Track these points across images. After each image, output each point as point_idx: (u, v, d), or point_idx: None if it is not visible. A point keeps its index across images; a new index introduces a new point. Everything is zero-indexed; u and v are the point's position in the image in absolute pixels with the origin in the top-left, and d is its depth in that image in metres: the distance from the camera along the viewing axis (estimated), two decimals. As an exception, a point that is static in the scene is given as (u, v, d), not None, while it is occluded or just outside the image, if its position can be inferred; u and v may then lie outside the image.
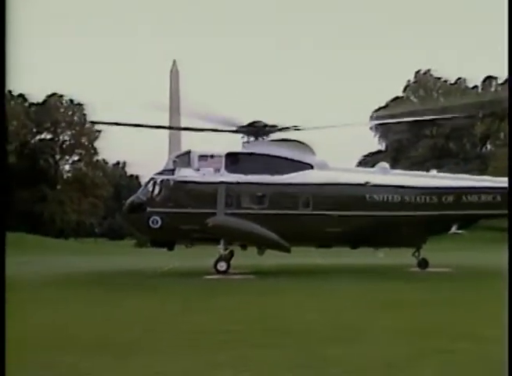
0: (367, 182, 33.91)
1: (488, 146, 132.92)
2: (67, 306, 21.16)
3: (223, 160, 34.07)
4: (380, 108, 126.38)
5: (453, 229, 34.43)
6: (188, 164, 34.22)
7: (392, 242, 36.33)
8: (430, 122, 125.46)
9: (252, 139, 35.32)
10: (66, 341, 14.23)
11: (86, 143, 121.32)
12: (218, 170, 33.82)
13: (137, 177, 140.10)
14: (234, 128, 34.98)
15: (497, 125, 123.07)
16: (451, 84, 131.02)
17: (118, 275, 35.80)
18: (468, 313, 18.26)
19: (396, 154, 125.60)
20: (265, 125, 35.01)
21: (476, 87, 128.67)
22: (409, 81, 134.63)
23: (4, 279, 6.87)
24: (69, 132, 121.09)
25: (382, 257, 42.09)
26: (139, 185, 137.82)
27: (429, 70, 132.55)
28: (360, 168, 35.72)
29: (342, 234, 33.93)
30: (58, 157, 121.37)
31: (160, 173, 34.66)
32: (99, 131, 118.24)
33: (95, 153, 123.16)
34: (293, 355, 12.41)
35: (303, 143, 35.29)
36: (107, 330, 15.82)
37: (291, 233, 33.21)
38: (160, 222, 33.52)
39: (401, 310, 19.07)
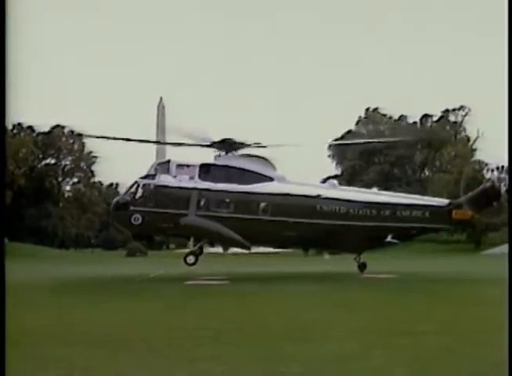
0: (319, 195, 34.38)
1: (426, 172, 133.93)
2: (65, 306, 20.78)
3: (197, 169, 34.78)
4: (336, 139, 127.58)
5: (389, 237, 35.18)
6: (167, 171, 34.87)
7: (339, 247, 37.97)
8: (378, 151, 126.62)
9: (223, 153, 35.84)
10: (61, 335, 13.85)
11: (84, 167, 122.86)
12: (192, 178, 34.55)
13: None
14: (208, 143, 35.54)
15: (433, 155, 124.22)
16: (395, 120, 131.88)
17: (110, 280, 35.63)
18: (407, 312, 18.00)
19: (350, 178, 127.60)
20: (235, 142, 35.56)
21: (415, 123, 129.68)
22: (360, 116, 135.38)
23: (4, 279, 6.46)
24: (70, 158, 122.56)
25: (328, 258, 42.61)
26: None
27: (377, 108, 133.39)
28: (313, 183, 36.38)
29: (296, 238, 34.69)
30: (60, 179, 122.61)
31: (143, 178, 35.09)
32: (96, 157, 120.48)
33: (92, 175, 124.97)
34: (258, 351, 12.10)
35: (266, 159, 35.94)
36: (98, 325, 15.44)
37: (252, 234, 34.05)
38: (140, 220, 34.02)
39: (352, 310, 18.86)
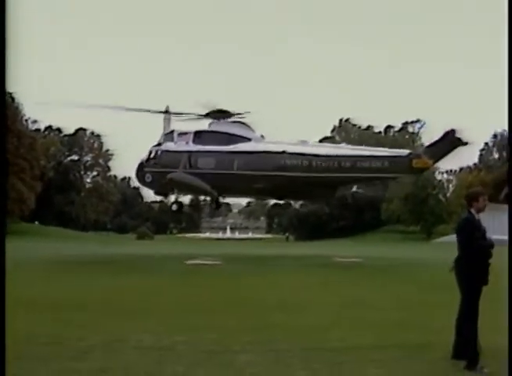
0: (284, 151, 33.57)
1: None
2: (94, 276, 20.94)
3: (191, 135, 35.61)
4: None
5: (354, 188, 34.25)
6: (171, 139, 36.00)
7: (304, 197, 38.24)
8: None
9: (216, 121, 36.00)
10: (81, 301, 14.06)
11: (102, 163, 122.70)
12: (187, 143, 35.45)
13: (138, 188, 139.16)
14: (203, 114, 35.62)
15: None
16: (363, 129, 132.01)
17: (125, 258, 35.75)
18: (369, 291, 18.26)
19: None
20: (224, 111, 35.48)
21: (380, 132, 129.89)
22: (334, 125, 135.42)
23: (4, 278, 6.53)
24: (90, 155, 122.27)
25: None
26: (140, 194, 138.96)
27: (348, 119, 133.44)
28: (287, 141, 35.37)
29: (262, 189, 34.77)
30: (82, 172, 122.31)
31: (155, 146, 36.53)
32: (112, 155, 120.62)
33: (109, 170, 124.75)
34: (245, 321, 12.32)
35: (246, 124, 36.12)
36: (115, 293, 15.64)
37: (227, 186, 34.81)
38: (150, 178, 36.21)
39: (328, 286, 19.12)
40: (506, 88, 8.43)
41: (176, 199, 37.44)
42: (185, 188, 36.33)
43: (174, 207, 37.51)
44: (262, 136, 36.21)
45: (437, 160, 32.11)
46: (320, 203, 36.04)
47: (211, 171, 34.57)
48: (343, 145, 35.29)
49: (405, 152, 32.91)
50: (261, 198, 40.12)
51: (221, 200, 40.38)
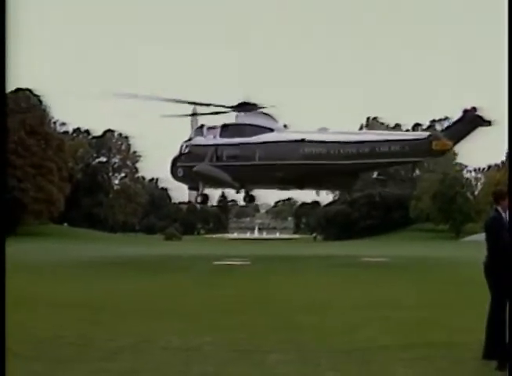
0: (303, 139, 33.30)
1: (417, 172, 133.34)
2: (124, 275, 21.08)
3: (219, 129, 36.18)
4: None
5: (375, 174, 33.58)
6: (201, 133, 36.80)
7: (325, 186, 38.16)
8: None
9: (242, 113, 36.16)
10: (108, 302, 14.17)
11: (130, 164, 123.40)
12: (215, 136, 36.07)
13: (166, 189, 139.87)
14: (232, 107, 35.98)
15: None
16: (391, 128, 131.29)
17: (153, 258, 35.85)
18: (394, 291, 18.14)
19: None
20: (249, 103, 35.61)
21: (408, 130, 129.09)
22: (361, 124, 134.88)
23: (4, 278, 6.56)
24: (118, 157, 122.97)
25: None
26: (168, 195, 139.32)
27: (376, 117, 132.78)
28: (309, 130, 34.68)
29: (282, 178, 34.57)
30: (110, 174, 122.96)
31: (186, 141, 37.40)
32: (140, 156, 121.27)
33: (137, 171, 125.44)
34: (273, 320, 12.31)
35: (269, 115, 36.12)
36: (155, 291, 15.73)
37: (248, 177, 35.43)
38: (182, 172, 37.09)
39: (355, 286, 19.03)
40: (506, 89, 8.30)
41: (202, 191, 37.82)
42: (209, 180, 36.67)
43: (199, 199, 38.10)
44: (285, 126, 36.23)
45: (457, 141, 30.54)
46: (343, 191, 35.36)
47: (235, 163, 35.04)
48: (363, 131, 34.14)
49: (424, 134, 31.67)
50: (283, 188, 39.55)
51: (253, 193, 40.08)
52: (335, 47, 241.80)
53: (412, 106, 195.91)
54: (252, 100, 35.51)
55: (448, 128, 30.84)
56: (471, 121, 29.37)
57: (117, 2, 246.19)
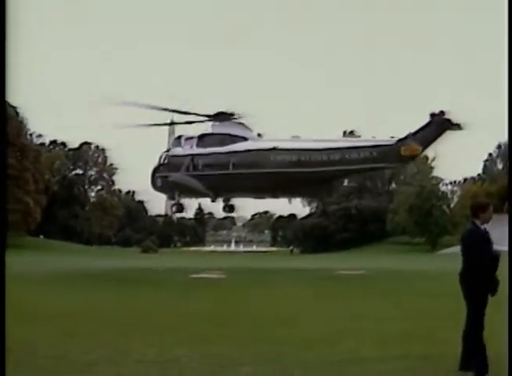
0: (274, 147, 33.28)
1: (393, 185, 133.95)
2: (100, 287, 20.91)
3: (196, 139, 36.39)
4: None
5: (345, 182, 33.43)
6: (179, 144, 37.06)
7: (297, 193, 38.43)
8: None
9: (217, 123, 36.12)
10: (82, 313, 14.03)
11: (107, 177, 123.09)
12: (191, 146, 36.26)
13: (142, 202, 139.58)
14: (209, 116, 35.97)
15: (398, 170, 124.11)
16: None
17: (129, 271, 35.68)
18: (374, 302, 18.17)
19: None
20: (225, 113, 35.51)
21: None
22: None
23: (4, 279, 6.49)
24: (95, 169, 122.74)
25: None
26: (144, 208, 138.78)
27: (352, 131, 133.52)
28: (282, 138, 34.46)
29: (253, 187, 34.68)
30: (87, 186, 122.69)
31: (165, 151, 37.81)
32: (116, 169, 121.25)
33: (113, 184, 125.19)
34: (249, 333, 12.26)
35: (243, 124, 36.01)
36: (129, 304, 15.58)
37: (222, 186, 35.51)
38: (160, 183, 37.41)
39: (331, 298, 19.01)
40: (507, 95, 8.39)
41: (177, 201, 38.09)
42: (184, 189, 36.80)
43: (174, 208, 38.49)
44: (259, 135, 36.12)
45: (427, 146, 30.44)
46: (316, 199, 35.72)
47: (210, 172, 35.17)
48: (334, 138, 33.63)
49: (392, 140, 31.09)
50: (257, 197, 39.36)
51: (233, 203, 39.65)
52: (335, 47, 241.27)
53: (412, 106, 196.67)
54: (233, 109, 35.45)
55: (416, 132, 30.13)
56: (439, 124, 29.26)
57: (116, 2, 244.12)
